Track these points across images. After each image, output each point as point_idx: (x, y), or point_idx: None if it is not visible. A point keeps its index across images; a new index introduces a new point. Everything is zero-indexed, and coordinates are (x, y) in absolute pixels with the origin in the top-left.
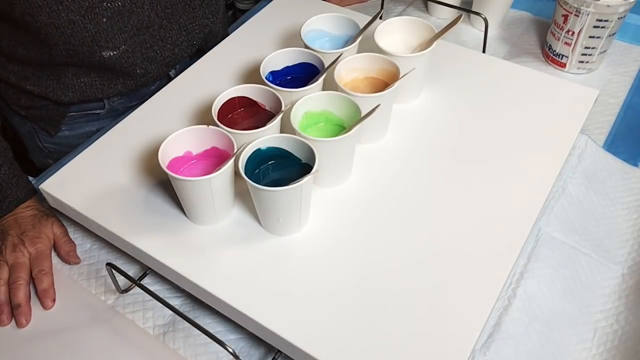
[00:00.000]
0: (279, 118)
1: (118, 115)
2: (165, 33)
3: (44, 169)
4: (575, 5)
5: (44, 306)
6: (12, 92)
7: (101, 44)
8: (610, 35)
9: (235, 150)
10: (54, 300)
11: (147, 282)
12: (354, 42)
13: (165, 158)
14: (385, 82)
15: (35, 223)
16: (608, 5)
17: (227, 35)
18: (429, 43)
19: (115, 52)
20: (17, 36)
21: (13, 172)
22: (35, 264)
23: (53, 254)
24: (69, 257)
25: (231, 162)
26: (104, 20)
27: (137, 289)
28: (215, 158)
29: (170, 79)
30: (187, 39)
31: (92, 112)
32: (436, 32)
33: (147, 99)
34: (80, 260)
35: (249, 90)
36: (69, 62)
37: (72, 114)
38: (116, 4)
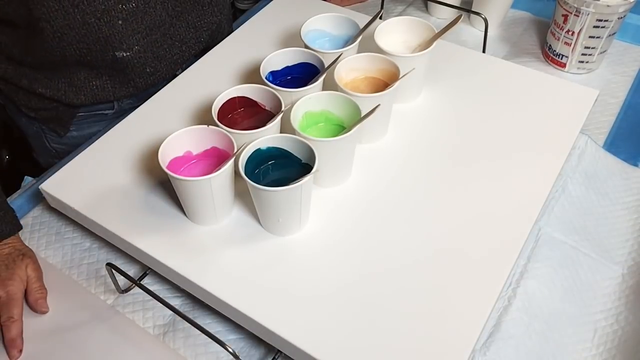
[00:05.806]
0: (279, 118)
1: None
2: (175, 31)
3: None
4: (575, 5)
5: (10, 358)
6: (22, 95)
7: (115, 45)
8: (610, 35)
9: (235, 150)
10: (21, 350)
11: (147, 282)
12: (354, 42)
13: (165, 158)
14: (385, 82)
15: (9, 263)
16: (608, 5)
17: (232, 31)
18: (429, 43)
19: (128, 53)
20: (30, 41)
21: (0, 206)
22: (4, 310)
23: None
24: (37, 305)
25: (231, 162)
26: (119, 22)
27: (137, 289)
28: (215, 158)
29: None
30: (195, 37)
31: (100, 112)
32: (436, 32)
33: None
34: (48, 310)
35: (249, 90)
36: (81, 62)
37: (81, 114)
38: (130, 5)
